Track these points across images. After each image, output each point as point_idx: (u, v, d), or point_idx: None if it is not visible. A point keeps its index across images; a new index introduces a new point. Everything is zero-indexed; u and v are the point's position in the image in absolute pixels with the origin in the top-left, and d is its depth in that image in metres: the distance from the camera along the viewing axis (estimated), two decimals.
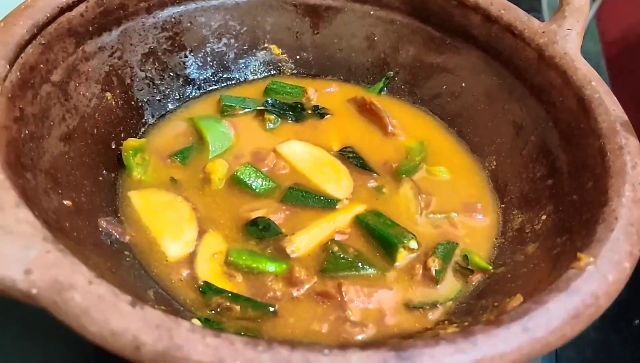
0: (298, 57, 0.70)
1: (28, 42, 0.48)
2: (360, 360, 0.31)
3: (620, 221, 0.41)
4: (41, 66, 0.50)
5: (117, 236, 0.49)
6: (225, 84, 0.68)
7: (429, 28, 0.66)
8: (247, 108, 0.64)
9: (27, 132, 0.46)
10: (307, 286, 0.48)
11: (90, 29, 0.56)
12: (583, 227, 0.44)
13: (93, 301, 0.32)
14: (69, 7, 0.52)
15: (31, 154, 0.46)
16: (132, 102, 0.60)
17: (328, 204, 0.55)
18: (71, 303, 0.31)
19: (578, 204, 0.48)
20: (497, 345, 0.33)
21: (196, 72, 0.66)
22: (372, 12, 0.68)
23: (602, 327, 0.66)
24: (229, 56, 0.67)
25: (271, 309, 0.46)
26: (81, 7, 0.54)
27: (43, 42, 0.50)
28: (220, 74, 0.67)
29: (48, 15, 0.50)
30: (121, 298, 0.32)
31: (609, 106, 0.49)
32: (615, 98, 0.51)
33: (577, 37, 0.56)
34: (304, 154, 0.60)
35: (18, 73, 0.46)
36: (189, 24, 0.64)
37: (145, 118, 0.61)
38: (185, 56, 0.65)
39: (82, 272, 0.33)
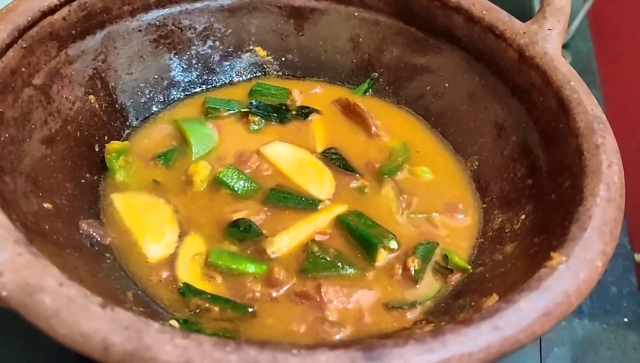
0: (283, 59, 0.70)
1: (9, 45, 0.49)
2: (329, 360, 0.32)
3: (593, 220, 0.41)
4: (22, 69, 0.50)
5: (98, 239, 0.50)
6: (210, 86, 0.68)
7: (413, 29, 0.66)
8: (232, 110, 0.64)
9: (7, 135, 0.47)
10: (286, 287, 0.48)
11: (73, 32, 0.56)
12: (559, 226, 0.44)
13: (63, 304, 0.32)
14: (51, 11, 0.53)
15: (11, 157, 0.46)
16: (116, 105, 0.61)
17: (310, 205, 0.55)
18: (41, 305, 0.32)
19: (556, 203, 0.48)
20: (466, 344, 0.34)
21: (181, 75, 0.66)
22: (356, 14, 0.68)
23: (592, 324, 0.66)
24: (214, 58, 0.68)
25: (250, 310, 0.47)
26: (64, 11, 0.54)
27: (24, 45, 0.50)
28: (205, 76, 0.68)
29: (30, 19, 0.50)
30: (91, 300, 0.32)
31: (587, 106, 0.50)
32: (594, 98, 0.51)
33: (557, 37, 0.56)
34: (287, 156, 0.60)
35: None
36: (173, 27, 0.65)
37: (129, 121, 0.62)
38: (170, 59, 0.65)
39: (53, 274, 0.33)
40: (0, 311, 0.33)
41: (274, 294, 0.48)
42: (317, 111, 0.66)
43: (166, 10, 0.64)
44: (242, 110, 0.64)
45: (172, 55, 0.65)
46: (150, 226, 0.52)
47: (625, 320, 0.67)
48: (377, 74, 0.69)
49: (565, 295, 0.37)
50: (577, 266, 0.38)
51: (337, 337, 0.45)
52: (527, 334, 0.35)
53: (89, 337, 0.31)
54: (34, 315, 0.32)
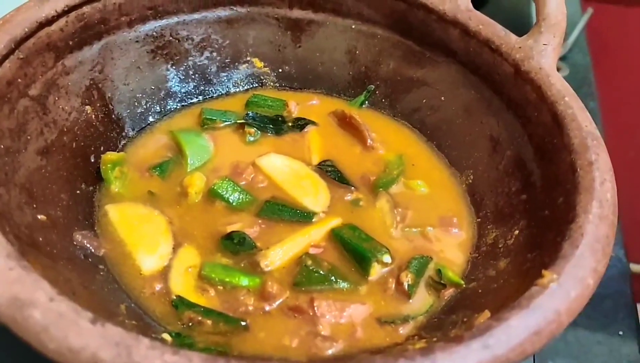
0: (280, 70, 0.70)
1: (5, 57, 0.49)
2: None
3: (585, 237, 0.41)
4: (19, 80, 0.50)
5: (92, 250, 0.50)
6: (207, 97, 0.68)
7: (410, 42, 0.66)
8: (228, 121, 0.64)
9: (2, 146, 0.47)
10: (279, 301, 0.48)
11: (71, 43, 0.56)
12: (551, 243, 0.44)
13: (53, 319, 0.32)
14: (49, 22, 0.53)
15: (5, 168, 0.46)
16: (113, 116, 0.61)
17: (304, 217, 0.55)
18: (31, 320, 0.32)
19: (549, 219, 0.48)
20: (456, 362, 0.34)
21: (178, 86, 0.66)
22: (353, 26, 0.68)
23: (587, 338, 0.66)
24: (211, 69, 0.68)
25: (243, 323, 0.46)
26: (61, 22, 0.54)
27: (21, 56, 0.50)
28: (202, 87, 0.68)
29: (27, 30, 0.51)
30: (82, 315, 0.32)
31: (581, 122, 0.50)
32: (589, 114, 0.51)
33: (552, 52, 0.56)
34: (283, 168, 0.60)
35: None
36: (170, 38, 0.65)
37: (126, 131, 0.62)
38: (167, 70, 0.65)
39: (43, 289, 0.33)
40: None
41: (267, 308, 0.48)
42: (313, 123, 0.66)
43: (164, 21, 0.64)
44: (239, 121, 0.64)
45: (169, 66, 0.65)
46: (145, 238, 0.52)
47: (620, 332, 0.67)
48: (373, 86, 0.69)
49: (556, 313, 0.37)
50: (569, 284, 0.38)
51: (330, 351, 0.45)
52: (517, 353, 0.35)
53: (78, 352, 0.31)
54: (23, 330, 0.32)
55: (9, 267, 0.34)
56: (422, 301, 0.50)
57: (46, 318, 0.32)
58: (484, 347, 0.34)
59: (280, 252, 0.51)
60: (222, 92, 0.69)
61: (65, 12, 0.54)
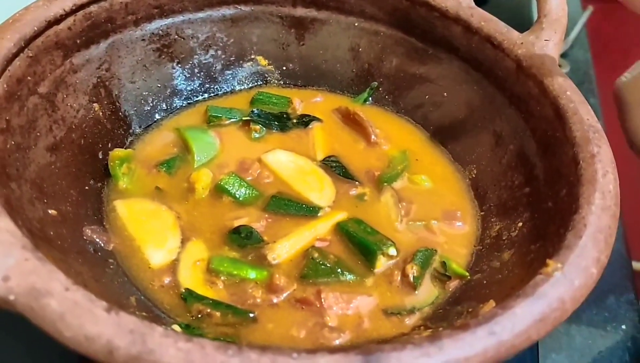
0: (284, 68, 0.71)
1: (15, 55, 0.49)
2: None
3: (589, 228, 0.42)
4: (28, 78, 0.51)
5: (102, 245, 0.50)
6: (212, 94, 0.69)
7: (412, 39, 0.67)
8: (233, 118, 0.65)
9: (13, 143, 0.47)
10: (286, 293, 0.49)
11: (78, 41, 0.57)
12: (555, 234, 0.45)
13: (69, 307, 0.33)
14: (57, 21, 0.54)
15: (17, 164, 0.47)
16: (120, 113, 0.62)
17: (310, 212, 0.56)
18: (47, 309, 0.32)
19: (552, 211, 0.49)
20: (463, 349, 0.34)
21: (183, 83, 0.67)
22: (356, 24, 0.69)
23: (590, 332, 0.66)
24: (216, 67, 0.69)
25: (251, 315, 0.47)
26: (69, 21, 0.55)
27: (30, 55, 0.51)
28: (208, 85, 0.68)
29: (36, 28, 0.51)
30: (97, 304, 0.33)
31: (583, 115, 0.51)
32: (590, 107, 0.52)
33: (554, 48, 0.57)
34: (288, 164, 0.61)
35: (5, 85, 0.47)
36: (176, 36, 0.65)
37: (133, 128, 0.63)
38: (173, 68, 0.66)
39: (59, 279, 0.34)
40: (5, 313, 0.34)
41: (275, 300, 0.49)
42: (317, 120, 0.67)
43: (169, 20, 0.65)
44: (244, 118, 0.65)
45: (174, 64, 0.66)
46: (153, 233, 0.53)
47: (623, 327, 0.68)
48: (376, 83, 0.70)
49: (560, 301, 0.38)
50: (572, 273, 0.39)
51: (337, 342, 0.46)
52: (522, 339, 0.36)
53: (93, 340, 0.32)
54: (40, 319, 0.32)
55: (25, 258, 0.34)
56: (427, 292, 0.51)
57: (62, 307, 0.32)
58: (489, 333, 0.35)
59: (287, 245, 0.52)
60: (227, 90, 0.70)
61: (73, 11, 0.55)
